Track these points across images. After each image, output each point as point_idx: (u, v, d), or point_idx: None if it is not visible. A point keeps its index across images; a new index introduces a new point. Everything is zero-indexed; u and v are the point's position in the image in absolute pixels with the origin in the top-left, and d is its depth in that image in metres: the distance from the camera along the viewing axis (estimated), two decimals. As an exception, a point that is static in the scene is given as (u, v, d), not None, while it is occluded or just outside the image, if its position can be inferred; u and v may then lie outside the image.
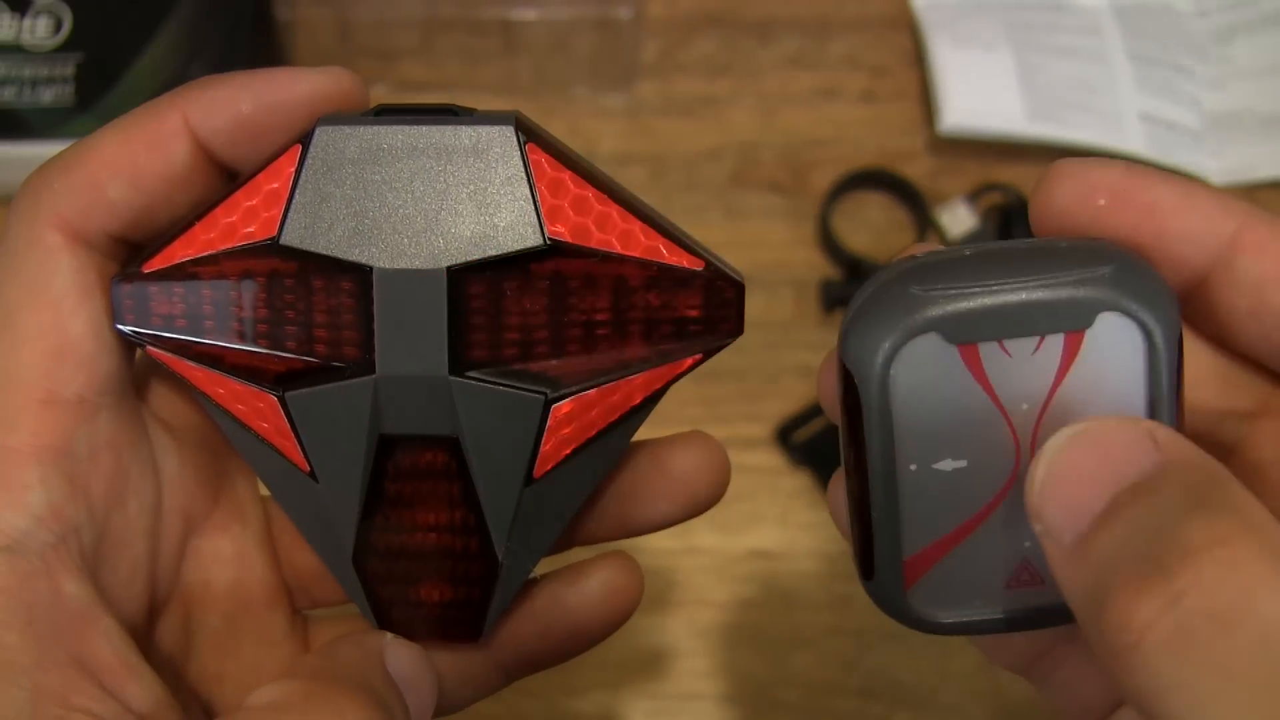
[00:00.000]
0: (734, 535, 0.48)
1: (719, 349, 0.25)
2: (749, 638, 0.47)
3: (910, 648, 0.46)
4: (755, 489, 0.48)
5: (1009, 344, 0.22)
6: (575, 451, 0.25)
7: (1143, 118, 0.55)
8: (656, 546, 0.47)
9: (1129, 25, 0.57)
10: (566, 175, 0.24)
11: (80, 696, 0.22)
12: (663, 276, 0.25)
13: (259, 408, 0.25)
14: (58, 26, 0.51)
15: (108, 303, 0.25)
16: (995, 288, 0.21)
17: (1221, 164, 0.55)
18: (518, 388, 0.24)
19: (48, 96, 0.50)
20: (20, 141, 0.49)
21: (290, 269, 0.25)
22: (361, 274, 0.24)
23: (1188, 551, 0.17)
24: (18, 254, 0.24)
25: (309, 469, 0.25)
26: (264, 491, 0.28)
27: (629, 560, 0.29)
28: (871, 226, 0.54)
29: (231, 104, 0.24)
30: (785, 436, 0.49)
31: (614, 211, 0.25)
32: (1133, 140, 0.54)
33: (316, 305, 0.25)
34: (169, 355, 0.25)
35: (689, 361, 0.25)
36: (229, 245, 0.24)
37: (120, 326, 0.25)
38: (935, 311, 0.21)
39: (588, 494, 0.26)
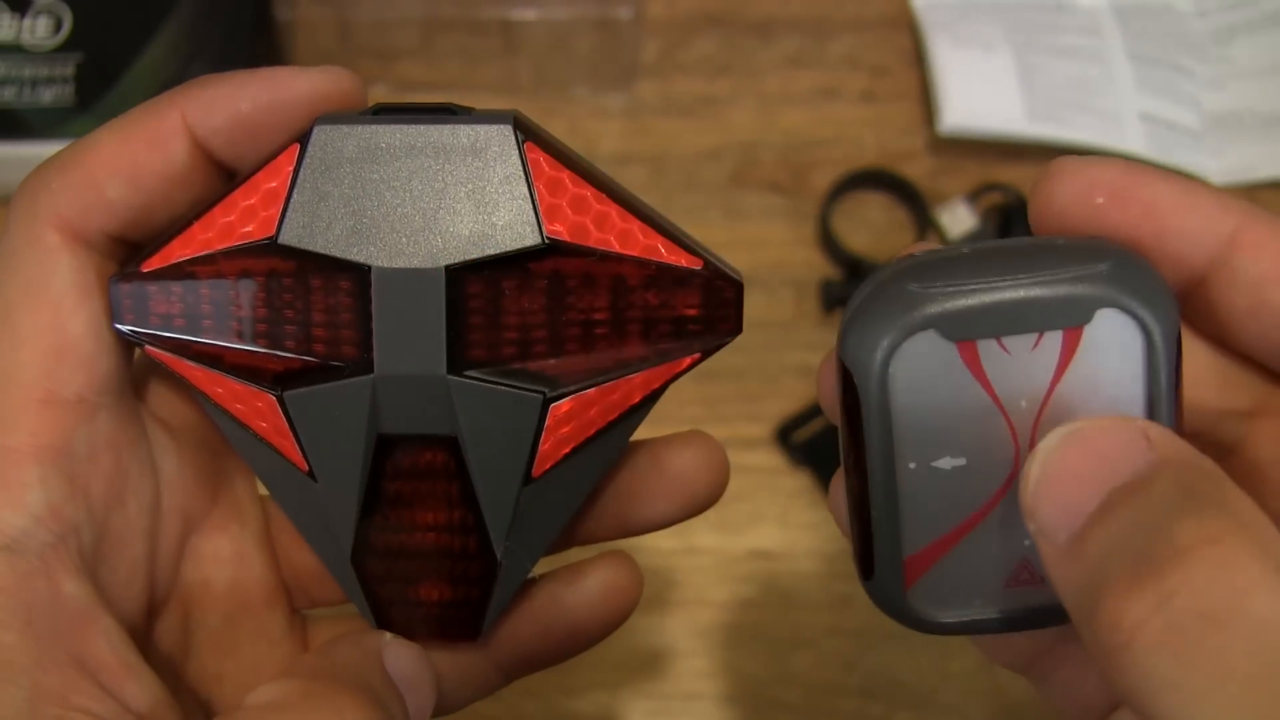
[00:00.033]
0: (734, 535, 0.48)
1: (718, 348, 0.25)
2: (749, 638, 0.47)
3: (910, 648, 0.46)
4: (755, 489, 0.48)
5: (1007, 341, 0.22)
6: (574, 451, 0.25)
7: (1143, 118, 0.55)
8: (656, 546, 0.47)
9: (1129, 25, 0.57)
10: (565, 174, 0.24)
11: (79, 696, 0.22)
12: (661, 275, 0.25)
13: (258, 407, 0.25)
14: (58, 26, 0.51)
15: (106, 302, 0.25)
16: (993, 285, 0.21)
17: (1221, 164, 0.55)
18: (516, 387, 0.24)
19: (48, 96, 0.50)
20: (20, 141, 0.49)
21: (289, 268, 0.25)
22: (360, 273, 0.24)
23: (1179, 551, 0.17)
24: (16, 254, 0.24)
25: (307, 468, 0.25)
26: (263, 491, 0.28)
27: (628, 560, 0.29)
28: (871, 226, 0.54)
29: (230, 103, 0.24)
30: (785, 436, 0.49)
31: (613, 210, 0.24)
32: (1133, 140, 0.54)
33: (315, 304, 0.25)
34: (168, 355, 0.25)
35: (688, 361, 0.25)
36: (227, 244, 0.24)
37: (119, 326, 0.25)
38: (933, 309, 0.21)
39: (586, 493, 0.26)
